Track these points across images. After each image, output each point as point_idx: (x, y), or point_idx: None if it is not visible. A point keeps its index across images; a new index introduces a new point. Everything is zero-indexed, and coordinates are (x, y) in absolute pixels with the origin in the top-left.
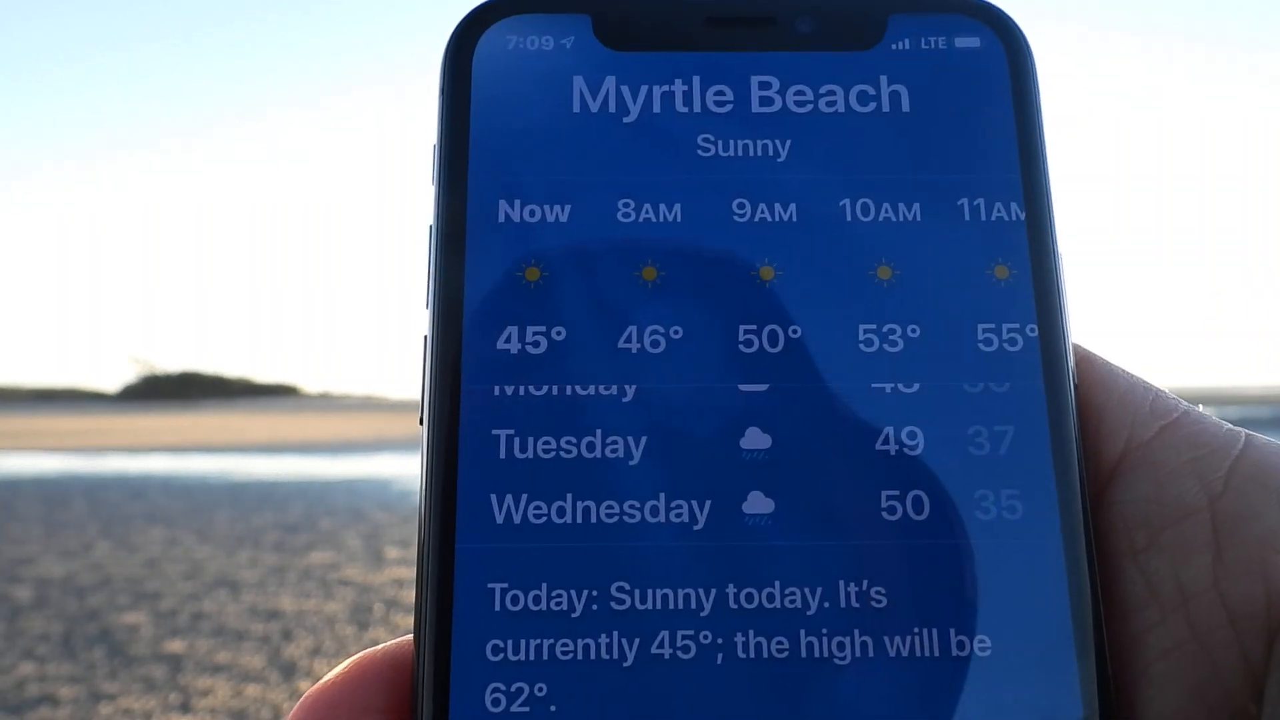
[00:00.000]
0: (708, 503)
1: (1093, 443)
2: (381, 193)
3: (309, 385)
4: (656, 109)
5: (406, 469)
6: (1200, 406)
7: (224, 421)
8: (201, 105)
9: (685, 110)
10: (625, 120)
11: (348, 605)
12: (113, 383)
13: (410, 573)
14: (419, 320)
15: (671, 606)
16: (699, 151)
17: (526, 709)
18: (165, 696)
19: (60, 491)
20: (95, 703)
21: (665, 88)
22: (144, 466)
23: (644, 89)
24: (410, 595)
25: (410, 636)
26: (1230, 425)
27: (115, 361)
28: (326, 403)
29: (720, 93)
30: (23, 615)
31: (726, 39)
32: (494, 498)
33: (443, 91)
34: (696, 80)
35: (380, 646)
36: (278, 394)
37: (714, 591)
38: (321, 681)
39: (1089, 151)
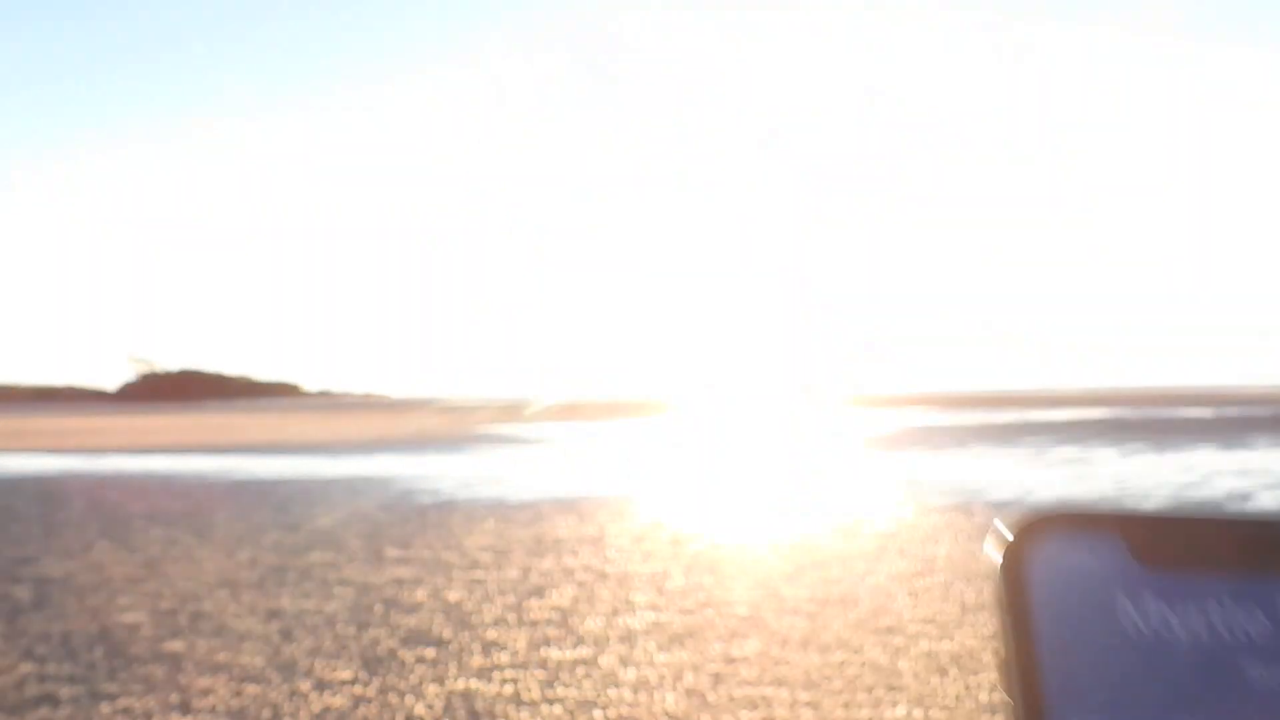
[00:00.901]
0: None
1: None
2: (381, 192)
3: (309, 384)
4: (1201, 633)
5: (406, 469)
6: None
7: (224, 421)
8: (201, 104)
9: (1229, 637)
10: (1171, 642)
11: (348, 605)
12: (112, 382)
13: (410, 572)
14: None
15: None
16: (1250, 681)
17: None
18: (165, 696)
19: (60, 491)
20: (95, 703)
21: (1208, 610)
22: (144, 466)
23: (1186, 610)
24: (410, 595)
25: None
26: None
27: (115, 360)
28: (326, 402)
29: (1263, 619)
30: (23, 615)
31: (1262, 560)
32: None
33: (1002, 603)
34: (1236, 604)
35: None
36: (278, 393)
37: None
38: None
39: (1089, 143)
